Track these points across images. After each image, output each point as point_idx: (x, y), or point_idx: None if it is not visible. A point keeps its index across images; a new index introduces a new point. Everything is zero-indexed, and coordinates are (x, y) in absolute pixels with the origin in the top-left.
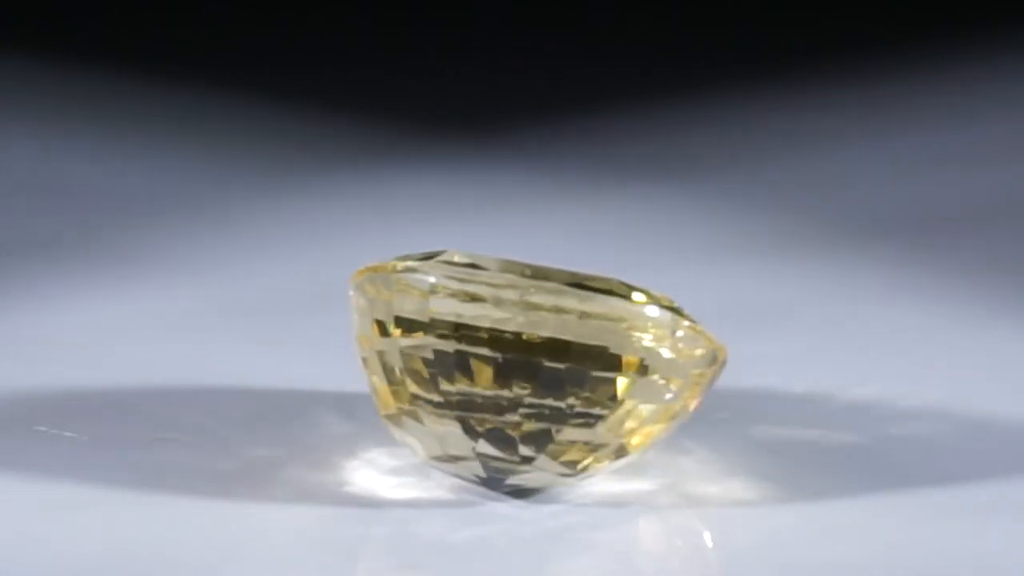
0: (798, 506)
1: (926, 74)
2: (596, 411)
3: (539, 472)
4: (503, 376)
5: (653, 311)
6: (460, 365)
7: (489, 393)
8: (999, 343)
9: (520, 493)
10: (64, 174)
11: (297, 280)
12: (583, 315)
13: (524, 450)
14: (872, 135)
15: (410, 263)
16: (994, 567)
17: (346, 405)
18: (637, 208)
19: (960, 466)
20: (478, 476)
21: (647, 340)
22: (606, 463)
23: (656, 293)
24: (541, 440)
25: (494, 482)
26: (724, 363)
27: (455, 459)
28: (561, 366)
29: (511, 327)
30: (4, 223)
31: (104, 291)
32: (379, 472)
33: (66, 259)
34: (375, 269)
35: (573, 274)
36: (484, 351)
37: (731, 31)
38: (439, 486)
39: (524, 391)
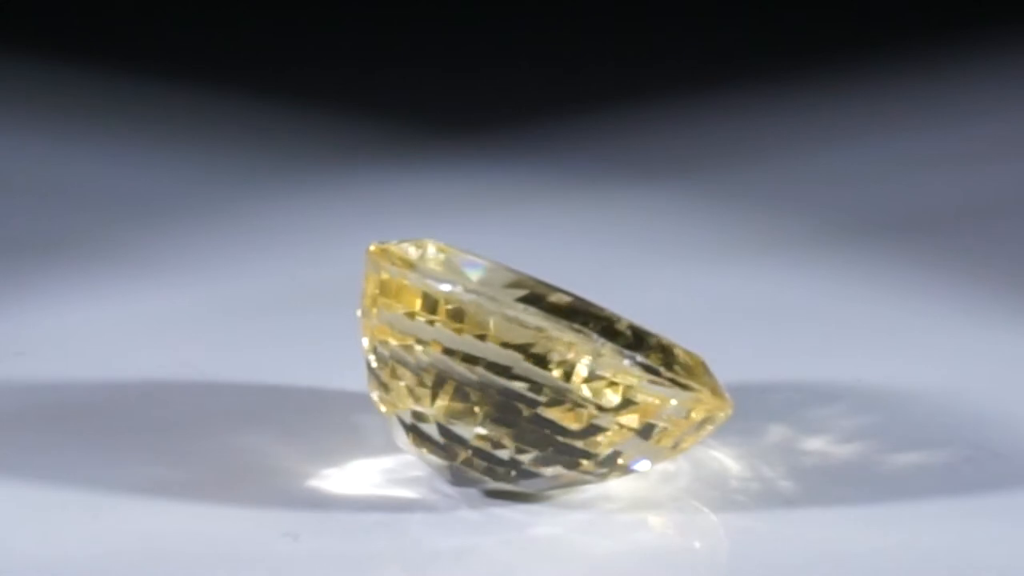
0: (802, 512)
1: (926, 74)
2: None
3: (469, 469)
4: (428, 370)
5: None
6: (395, 357)
7: (412, 380)
8: (1000, 343)
9: (501, 496)
10: (64, 174)
11: (297, 279)
12: (513, 320)
13: (446, 438)
14: (872, 135)
15: (393, 247)
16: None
17: (346, 405)
18: (637, 208)
19: (962, 466)
20: (439, 471)
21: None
22: (557, 470)
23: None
24: (457, 434)
25: (459, 479)
26: (699, 403)
27: (412, 447)
28: (479, 361)
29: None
30: (4, 223)
31: (104, 291)
32: (366, 473)
33: (66, 259)
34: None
35: (549, 286)
36: (410, 343)
37: (731, 31)
38: (421, 489)
39: (444, 382)
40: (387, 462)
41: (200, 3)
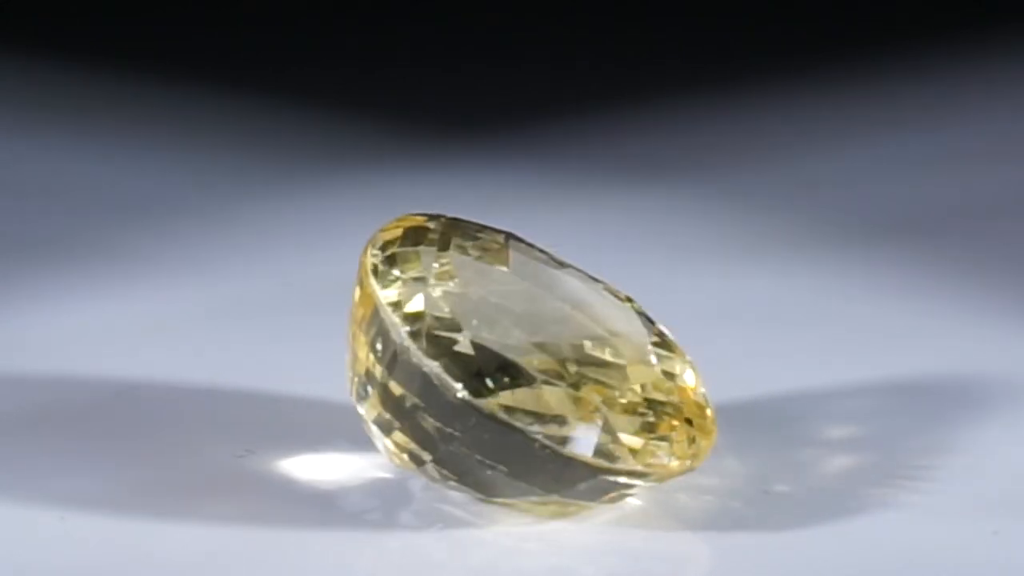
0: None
1: (926, 74)
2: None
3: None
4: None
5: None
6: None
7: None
8: (1001, 343)
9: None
10: (64, 174)
11: (297, 280)
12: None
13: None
14: (875, 135)
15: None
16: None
17: (344, 406)
18: (638, 209)
19: (966, 471)
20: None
21: None
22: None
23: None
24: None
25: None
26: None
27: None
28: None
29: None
30: (4, 223)
31: (104, 291)
32: (360, 476)
33: (66, 259)
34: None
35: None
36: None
37: (731, 31)
38: (406, 489)
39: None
40: (380, 465)
41: (200, 3)
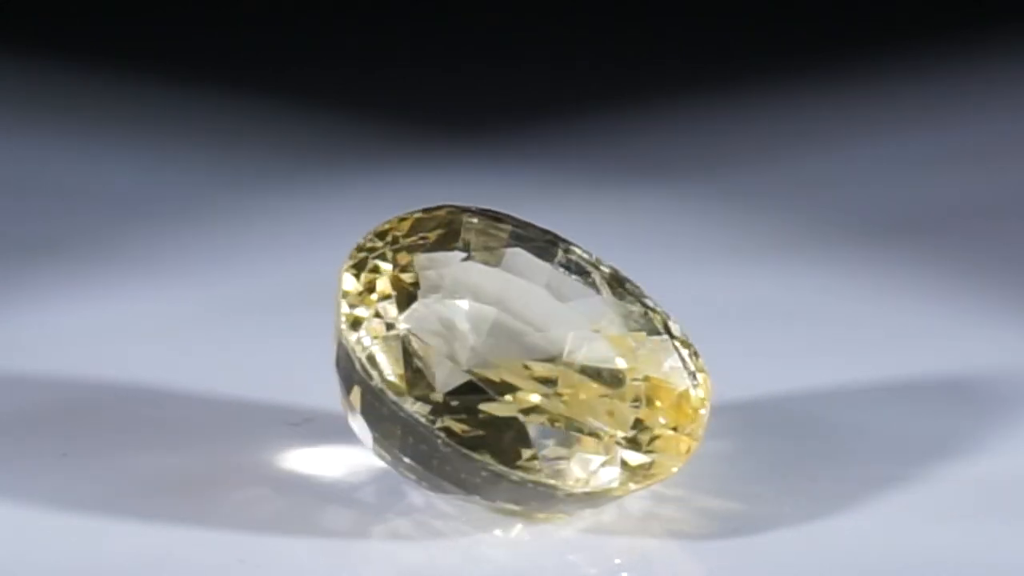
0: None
1: (926, 74)
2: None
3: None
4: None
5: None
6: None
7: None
8: (1001, 344)
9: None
10: (64, 174)
11: (297, 280)
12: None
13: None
14: (871, 135)
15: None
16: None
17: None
18: (638, 209)
19: (964, 471)
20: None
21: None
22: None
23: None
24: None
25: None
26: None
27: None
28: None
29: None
30: (4, 223)
31: (104, 291)
32: (356, 475)
33: (66, 259)
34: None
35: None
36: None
37: (731, 31)
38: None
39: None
40: (380, 463)
41: (200, 3)
